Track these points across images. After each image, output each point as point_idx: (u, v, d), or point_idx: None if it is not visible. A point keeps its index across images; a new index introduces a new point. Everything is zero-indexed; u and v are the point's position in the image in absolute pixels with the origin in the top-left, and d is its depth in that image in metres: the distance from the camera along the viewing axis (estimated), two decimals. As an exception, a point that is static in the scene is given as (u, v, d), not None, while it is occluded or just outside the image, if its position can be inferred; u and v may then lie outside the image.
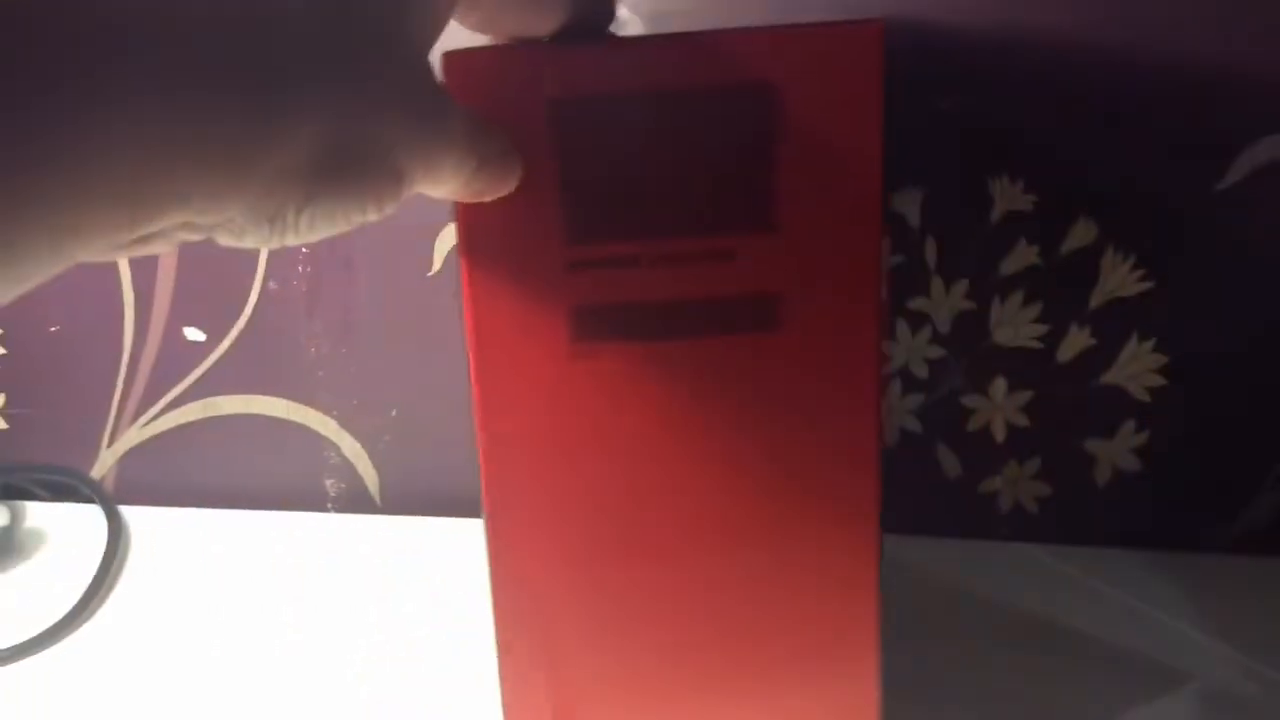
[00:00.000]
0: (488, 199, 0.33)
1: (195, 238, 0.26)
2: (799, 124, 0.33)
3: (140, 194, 0.21)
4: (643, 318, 0.35)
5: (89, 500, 0.66)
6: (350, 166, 0.25)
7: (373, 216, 0.27)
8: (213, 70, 0.21)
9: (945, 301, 0.58)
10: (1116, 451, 0.60)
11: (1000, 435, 0.60)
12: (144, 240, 0.26)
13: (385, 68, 0.26)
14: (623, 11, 0.54)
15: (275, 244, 0.26)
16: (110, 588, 0.59)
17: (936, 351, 0.59)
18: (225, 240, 0.26)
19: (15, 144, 0.19)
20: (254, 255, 0.63)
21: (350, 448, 0.66)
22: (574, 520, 0.38)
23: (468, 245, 0.35)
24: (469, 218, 0.34)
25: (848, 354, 0.35)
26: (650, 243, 0.34)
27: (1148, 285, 0.57)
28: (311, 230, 0.26)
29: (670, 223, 0.34)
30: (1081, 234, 0.56)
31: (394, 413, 0.65)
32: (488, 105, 0.33)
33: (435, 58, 0.29)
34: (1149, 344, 0.57)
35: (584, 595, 0.39)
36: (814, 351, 0.35)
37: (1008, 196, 0.56)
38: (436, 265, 0.62)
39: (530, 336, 0.35)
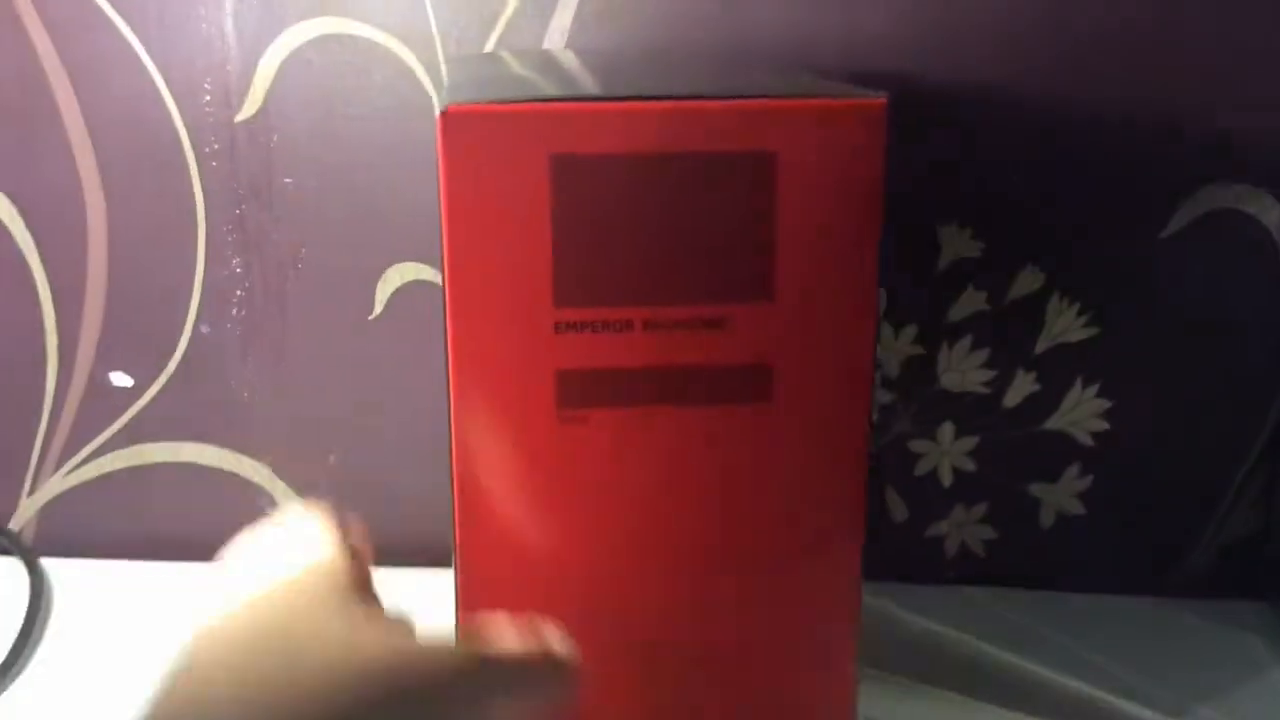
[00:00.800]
0: None
1: None
2: (799, 194, 0.33)
3: None
4: (631, 384, 0.34)
5: (7, 553, 0.63)
6: None
7: None
8: None
9: (894, 347, 0.58)
10: (1061, 495, 0.60)
11: (947, 479, 0.61)
12: None
13: None
14: (562, 51, 0.54)
15: None
16: (34, 646, 0.57)
17: (885, 396, 0.59)
18: None
19: None
20: (185, 297, 0.61)
21: (285, 496, 0.64)
22: (548, 586, 0.37)
23: (454, 301, 0.34)
24: (456, 273, 0.33)
25: (837, 425, 0.35)
26: (643, 308, 0.33)
27: (1092, 331, 0.58)
28: None
29: (665, 288, 0.33)
30: (1028, 281, 0.57)
31: (332, 459, 0.63)
32: (487, 162, 0.32)
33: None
34: (1093, 389, 0.58)
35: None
36: (804, 422, 0.35)
37: (956, 243, 0.57)
38: (378, 309, 0.60)
39: (514, 397, 0.34)
